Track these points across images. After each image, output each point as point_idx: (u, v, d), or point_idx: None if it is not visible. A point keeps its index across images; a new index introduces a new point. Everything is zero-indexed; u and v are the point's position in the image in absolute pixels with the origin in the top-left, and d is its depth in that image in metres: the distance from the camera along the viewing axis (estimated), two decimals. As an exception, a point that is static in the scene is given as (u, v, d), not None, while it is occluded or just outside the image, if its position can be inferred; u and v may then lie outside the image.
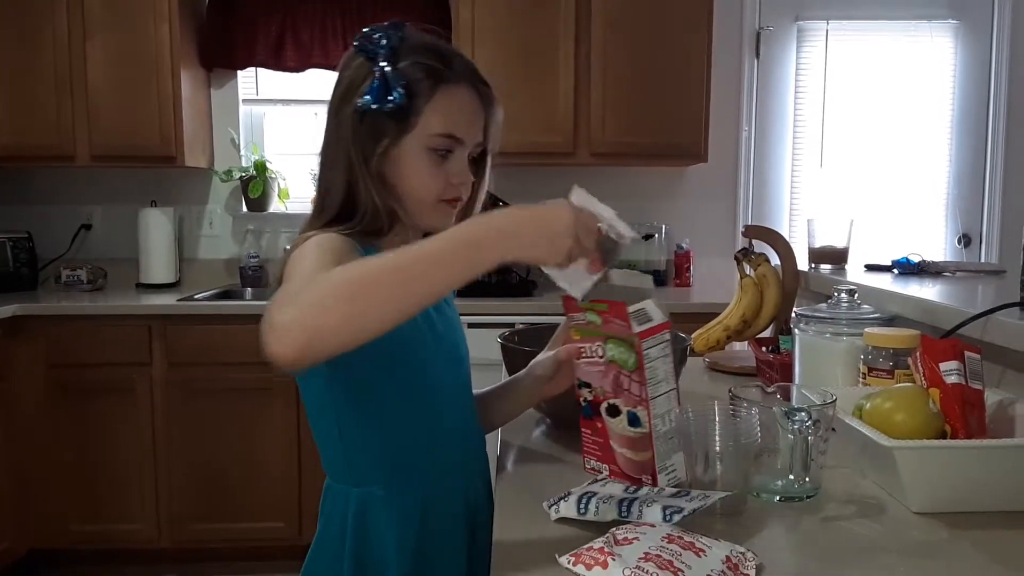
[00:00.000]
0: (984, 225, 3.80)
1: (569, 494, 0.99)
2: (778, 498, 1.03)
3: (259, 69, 3.72)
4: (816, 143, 3.78)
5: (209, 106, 3.70)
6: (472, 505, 1.21)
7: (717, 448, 0.99)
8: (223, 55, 3.58)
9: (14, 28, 3.28)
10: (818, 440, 1.01)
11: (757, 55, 3.74)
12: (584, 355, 1.07)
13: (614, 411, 1.06)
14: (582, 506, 0.95)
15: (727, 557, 0.82)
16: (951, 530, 0.95)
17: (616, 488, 1.01)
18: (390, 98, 1.06)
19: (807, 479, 1.02)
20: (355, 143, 1.10)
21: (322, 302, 0.79)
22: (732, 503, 0.99)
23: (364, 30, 1.11)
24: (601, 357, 1.05)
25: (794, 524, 0.97)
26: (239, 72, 3.71)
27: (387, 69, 1.07)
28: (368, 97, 1.07)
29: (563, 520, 0.96)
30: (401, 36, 1.09)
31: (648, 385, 1.02)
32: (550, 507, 0.98)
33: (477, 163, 1.17)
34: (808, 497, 1.03)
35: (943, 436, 1.05)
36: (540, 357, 1.25)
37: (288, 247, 1.10)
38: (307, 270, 0.97)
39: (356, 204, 1.11)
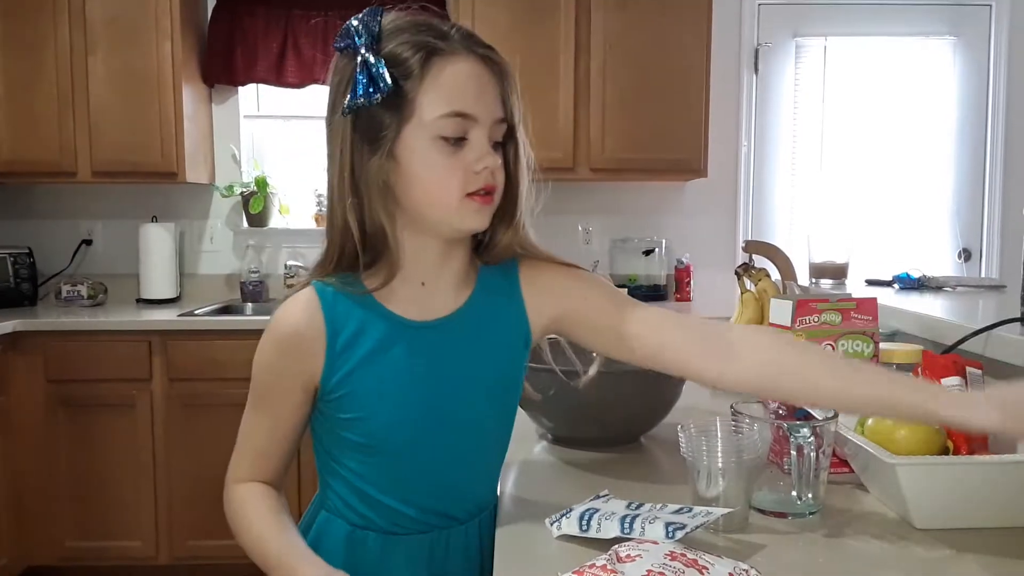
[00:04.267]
0: (984, 240, 3.80)
1: (571, 511, 0.99)
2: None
3: (260, 85, 3.73)
4: (815, 158, 3.79)
5: (210, 122, 3.71)
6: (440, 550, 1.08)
7: (719, 464, 0.99)
8: (225, 71, 3.59)
9: (17, 44, 3.29)
10: (820, 456, 1.01)
11: (756, 71, 3.75)
12: None
13: None
14: (584, 523, 0.95)
15: (730, 574, 0.82)
16: (954, 547, 0.94)
17: (618, 505, 1.01)
18: (375, 88, 0.92)
19: (809, 495, 1.02)
20: (348, 155, 0.95)
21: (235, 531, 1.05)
22: (734, 520, 0.98)
23: (343, 27, 0.97)
24: None
25: (796, 541, 0.97)
26: (240, 88, 3.72)
27: (369, 58, 0.93)
28: (351, 94, 0.93)
29: (565, 537, 0.96)
30: (380, 20, 0.95)
31: None
32: (552, 524, 0.98)
33: (506, 145, 1.00)
34: (810, 513, 1.02)
35: (946, 452, 1.05)
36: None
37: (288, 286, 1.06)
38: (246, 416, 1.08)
39: (340, 231, 0.98)
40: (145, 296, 3.55)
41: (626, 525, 0.92)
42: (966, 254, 3.80)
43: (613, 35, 3.35)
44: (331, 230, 1.00)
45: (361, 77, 0.92)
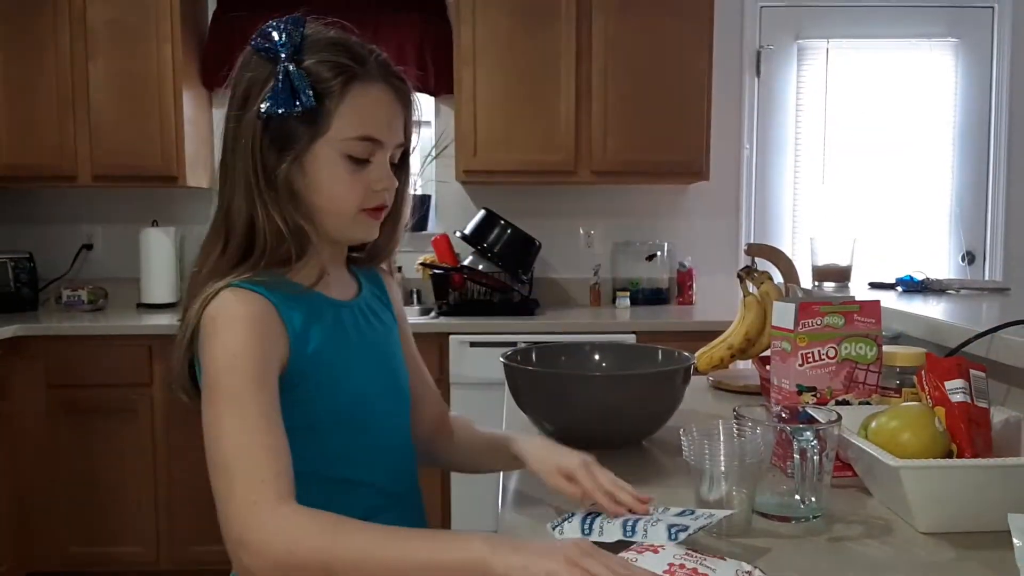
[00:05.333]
0: (988, 242, 3.79)
1: (573, 515, 0.99)
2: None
3: (261, 89, 3.73)
4: (818, 161, 3.79)
5: (211, 125, 3.70)
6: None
7: (722, 468, 0.98)
8: (225, 75, 3.57)
9: (17, 48, 3.30)
10: (824, 459, 1.00)
11: (758, 74, 3.75)
12: (810, 360, 1.18)
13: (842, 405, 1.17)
14: (586, 526, 0.94)
15: (735, 573, 0.81)
16: (958, 550, 0.94)
17: (620, 508, 1.00)
18: (297, 101, 0.96)
19: (813, 499, 1.01)
20: (258, 153, 0.99)
21: (303, 566, 0.83)
22: (737, 523, 0.98)
23: (262, 27, 1.00)
24: (833, 358, 1.18)
25: (800, 545, 0.96)
26: (241, 92, 3.72)
27: (291, 68, 0.97)
28: (271, 101, 0.97)
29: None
30: (303, 32, 1.00)
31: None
32: (554, 528, 0.97)
33: (399, 166, 1.09)
34: (814, 517, 1.02)
35: (949, 455, 1.04)
36: (555, 457, 1.06)
37: (198, 304, 0.99)
38: (229, 416, 0.90)
39: (258, 228, 0.99)
40: (146, 300, 3.55)
41: (628, 528, 0.92)
42: (969, 257, 3.79)
43: (614, 38, 3.35)
44: (256, 229, 1.00)
45: (282, 85, 0.97)
